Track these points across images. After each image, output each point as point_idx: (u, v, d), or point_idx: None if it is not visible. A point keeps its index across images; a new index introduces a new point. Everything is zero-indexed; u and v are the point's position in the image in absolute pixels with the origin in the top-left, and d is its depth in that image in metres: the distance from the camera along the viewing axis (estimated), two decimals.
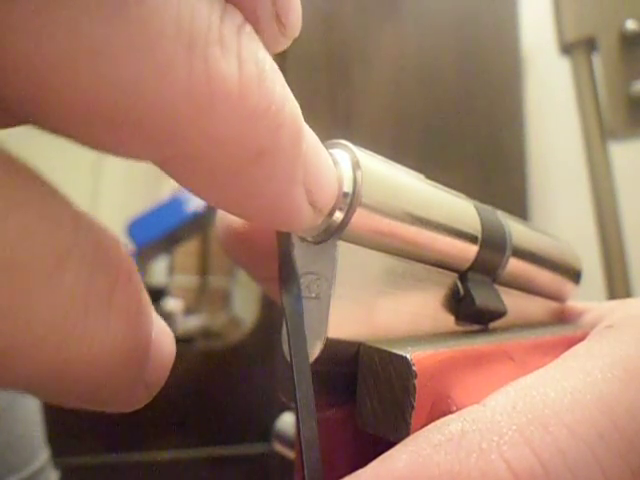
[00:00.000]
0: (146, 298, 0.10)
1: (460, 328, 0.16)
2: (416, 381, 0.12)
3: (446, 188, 0.16)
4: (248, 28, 0.09)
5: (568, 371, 0.12)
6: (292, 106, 0.10)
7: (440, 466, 0.10)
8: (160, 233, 1.17)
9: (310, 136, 0.11)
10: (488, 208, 0.17)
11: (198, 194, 0.10)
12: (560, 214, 0.95)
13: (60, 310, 0.08)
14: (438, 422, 0.11)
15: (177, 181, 0.10)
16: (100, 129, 0.08)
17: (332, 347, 0.13)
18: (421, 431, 0.11)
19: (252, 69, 0.09)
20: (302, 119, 0.10)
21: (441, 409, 0.12)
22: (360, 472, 0.10)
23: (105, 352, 0.09)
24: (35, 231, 0.08)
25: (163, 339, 0.11)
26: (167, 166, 0.09)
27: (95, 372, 0.09)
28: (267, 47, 0.10)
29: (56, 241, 0.08)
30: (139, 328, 0.10)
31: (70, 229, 0.08)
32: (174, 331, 0.11)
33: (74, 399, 0.10)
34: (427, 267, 0.15)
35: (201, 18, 0.08)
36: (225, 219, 0.18)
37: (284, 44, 0.11)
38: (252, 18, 0.10)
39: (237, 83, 0.09)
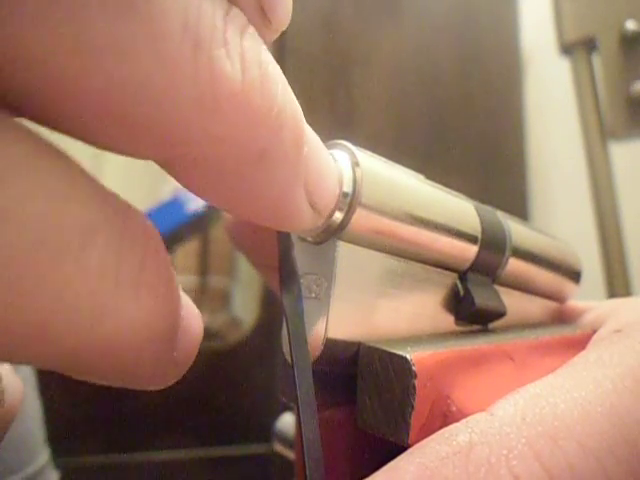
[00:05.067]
0: (173, 275, 0.10)
1: (460, 328, 0.16)
2: (416, 381, 0.12)
3: (446, 188, 0.16)
4: (251, 29, 0.09)
5: (578, 380, 0.12)
6: (294, 108, 0.10)
7: None
8: (160, 233, 1.17)
9: (312, 138, 0.11)
10: (488, 208, 0.17)
11: (199, 194, 0.10)
12: (560, 214, 0.95)
13: (91, 285, 0.08)
14: (445, 431, 0.11)
15: (178, 181, 0.10)
16: (104, 126, 0.08)
17: (332, 347, 0.13)
18: (427, 440, 0.11)
19: (255, 71, 0.09)
20: (304, 121, 0.10)
21: (441, 409, 0.12)
22: None
23: (136, 327, 0.09)
24: (62, 210, 0.08)
25: (191, 317, 0.11)
26: (169, 166, 0.09)
27: (126, 347, 0.09)
28: None
29: (83, 219, 0.08)
30: (168, 304, 0.10)
31: (97, 206, 0.08)
32: None
33: (105, 375, 0.10)
34: (427, 267, 0.15)
35: (207, 19, 0.08)
36: None
37: (270, 37, 0.10)
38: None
39: (240, 84, 0.09)
